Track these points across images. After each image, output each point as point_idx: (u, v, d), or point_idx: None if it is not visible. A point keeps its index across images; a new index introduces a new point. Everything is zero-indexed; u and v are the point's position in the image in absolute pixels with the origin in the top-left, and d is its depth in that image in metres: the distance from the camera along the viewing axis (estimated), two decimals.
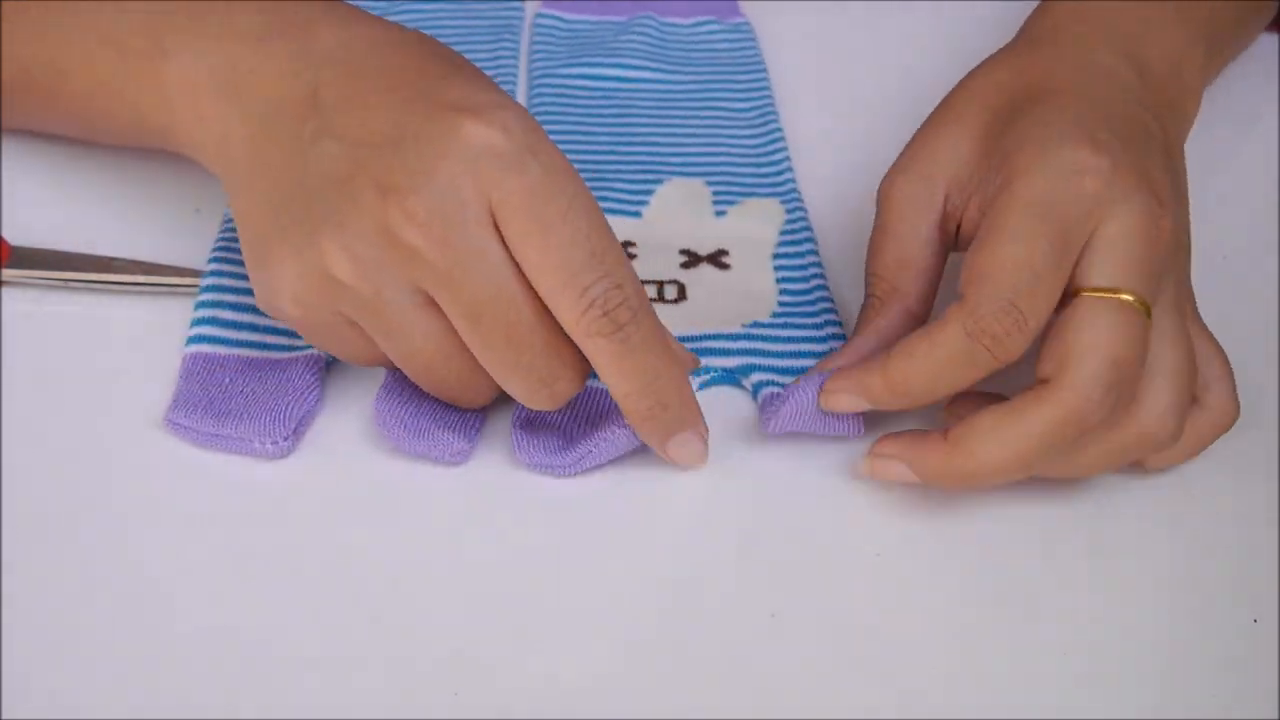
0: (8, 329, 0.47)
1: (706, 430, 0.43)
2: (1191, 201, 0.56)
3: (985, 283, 0.40)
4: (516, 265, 0.39)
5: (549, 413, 0.45)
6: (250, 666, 0.38)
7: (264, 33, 0.43)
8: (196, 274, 0.49)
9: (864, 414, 0.44)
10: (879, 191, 0.47)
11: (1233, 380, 0.44)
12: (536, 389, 0.41)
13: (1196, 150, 0.58)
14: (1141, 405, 0.41)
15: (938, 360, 0.41)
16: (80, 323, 0.48)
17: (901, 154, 0.47)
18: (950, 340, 0.40)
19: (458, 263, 0.39)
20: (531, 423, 0.44)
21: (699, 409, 0.42)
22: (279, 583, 0.40)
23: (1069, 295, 0.41)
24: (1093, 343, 0.40)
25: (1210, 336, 0.45)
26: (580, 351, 0.40)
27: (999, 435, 0.40)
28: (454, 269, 0.39)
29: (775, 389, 0.46)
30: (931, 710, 0.38)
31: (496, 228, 0.39)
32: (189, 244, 0.51)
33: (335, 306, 0.41)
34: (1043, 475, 0.42)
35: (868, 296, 0.46)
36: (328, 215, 0.40)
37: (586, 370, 0.41)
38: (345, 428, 0.45)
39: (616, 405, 0.43)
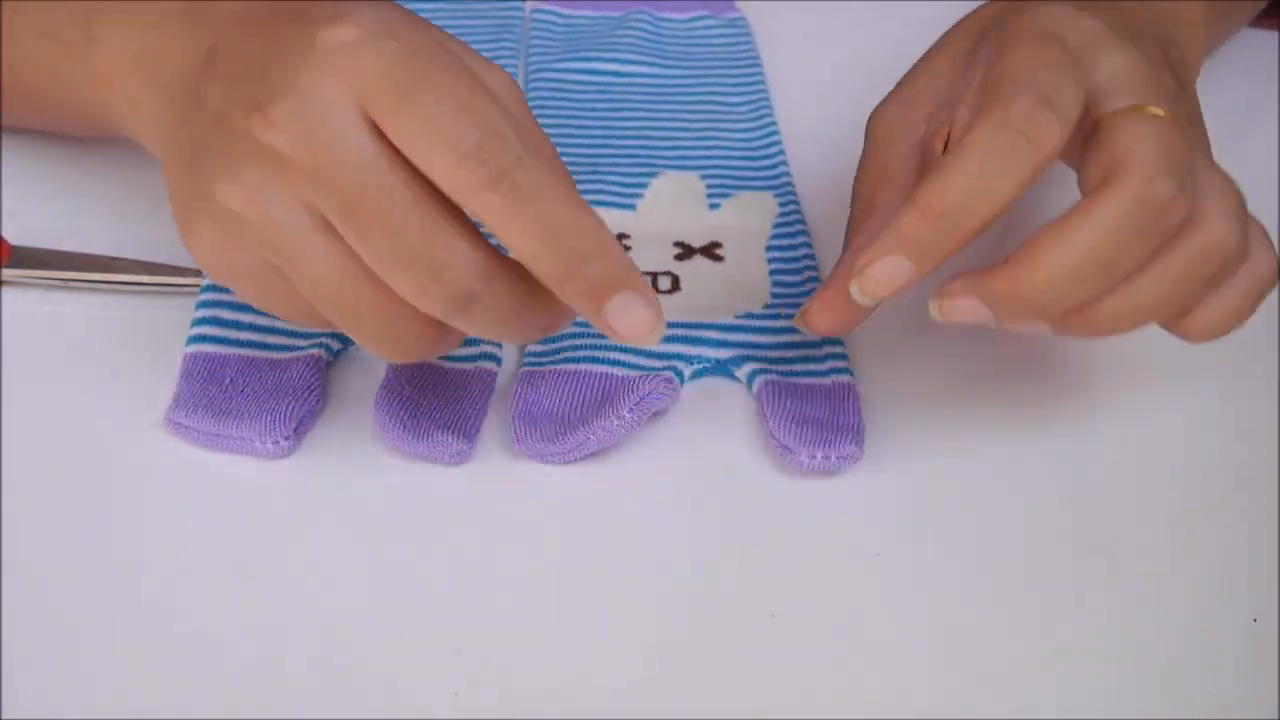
0: (8, 329, 0.47)
1: (651, 292, 0.38)
2: None
3: (1001, 81, 0.39)
4: (394, 154, 0.37)
5: (547, 400, 0.45)
6: (250, 666, 0.38)
7: (176, 14, 0.44)
8: (197, 274, 0.49)
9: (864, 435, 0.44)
10: (865, 128, 0.47)
11: (1265, 233, 0.42)
12: (427, 285, 0.37)
13: None
14: (1201, 216, 0.39)
15: (971, 163, 0.38)
16: (80, 323, 0.48)
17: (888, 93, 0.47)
18: (980, 139, 0.38)
19: (325, 160, 0.37)
20: (530, 414, 0.44)
21: (632, 265, 0.38)
22: (279, 582, 0.40)
23: (1092, 129, 0.40)
24: (1141, 139, 0.38)
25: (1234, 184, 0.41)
26: (471, 230, 0.38)
27: (1065, 238, 0.37)
28: (321, 166, 0.37)
29: (773, 378, 0.46)
30: (931, 710, 0.38)
31: (373, 126, 0.37)
32: None
33: (245, 249, 0.39)
34: (1104, 322, 0.39)
35: (850, 220, 0.46)
36: (217, 152, 0.39)
37: (479, 246, 0.37)
38: (346, 427, 0.45)
39: (616, 394, 0.43)
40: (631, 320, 0.37)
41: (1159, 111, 0.39)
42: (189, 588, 0.40)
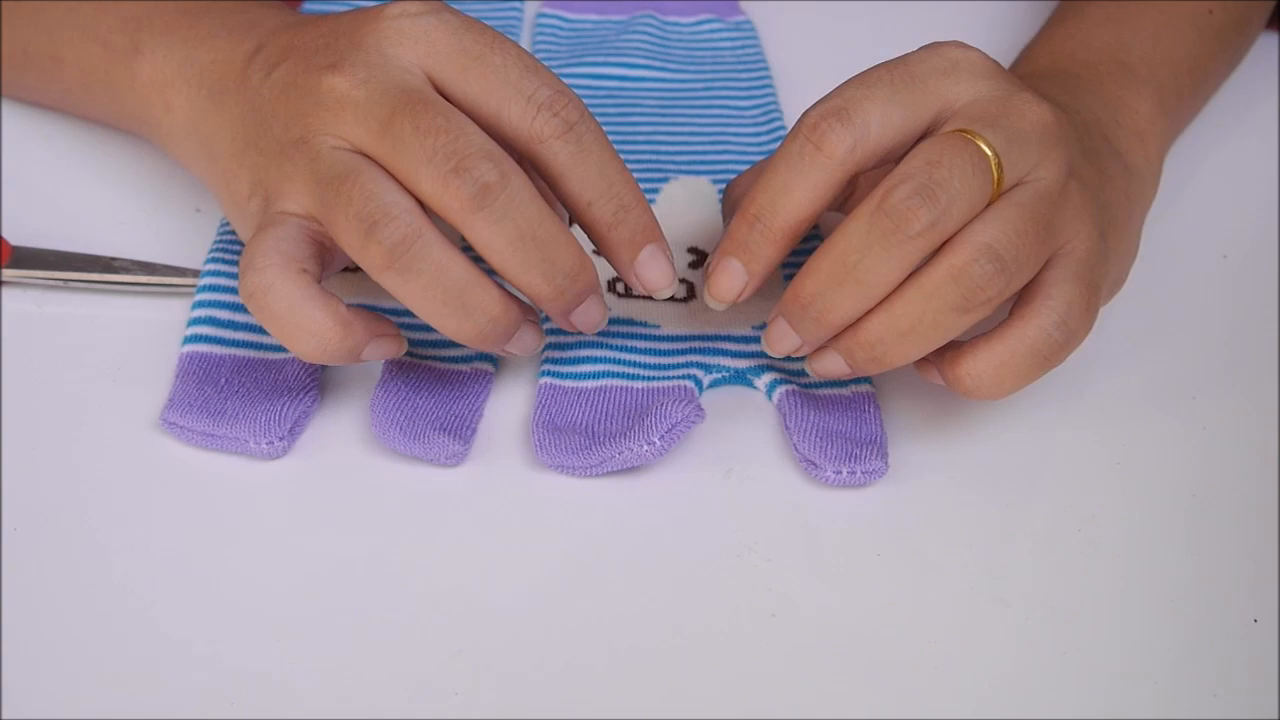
0: (8, 329, 0.47)
1: (668, 246, 0.44)
2: (1192, 201, 0.56)
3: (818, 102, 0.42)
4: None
5: (572, 412, 0.45)
6: (247, 667, 0.38)
7: (221, 33, 0.48)
8: (196, 274, 0.49)
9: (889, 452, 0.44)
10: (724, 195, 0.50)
11: (1063, 313, 0.41)
12: (450, 178, 0.39)
13: (1197, 150, 0.59)
14: (958, 244, 0.40)
15: (773, 170, 0.42)
16: (80, 323, 0.48)
17: None
18: (781, 150, 0.42)
19: (376, 88, 0.41)
20: (554, 424, 0.44)
21: (657, 221, 0.43)
22: (274, 583, 0.40)
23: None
24: (919, 152, 0.40)
25: (1088, 288, 0.42)
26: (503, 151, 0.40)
27: (824, 247, 0.41)
28: (373, 94, 0.41)
29: (793, 389, 0.46)
30: (931, 710, 0.38)
31: (432, 81, 0.42)
32: (189, 244, 0.51)
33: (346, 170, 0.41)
34: (872, 344, 0.41)
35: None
36: (286, 118, 0.42)
37: (497, 149, 0.40)
38: (342, 428, 0.45)
39: (644, 411, 0.43)
40: (655, 272, 0.43)
41: (977, 141, 0.41)
42: (186, 587, 0.40)
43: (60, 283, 0.48)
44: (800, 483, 0.44)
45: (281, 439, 0.43)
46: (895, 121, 0.41)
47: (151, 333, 0.47)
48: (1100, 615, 0.41)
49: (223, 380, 0.45)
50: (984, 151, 0.40)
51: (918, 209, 0.39)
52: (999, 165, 0.41)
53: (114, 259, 0.49)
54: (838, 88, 0.42)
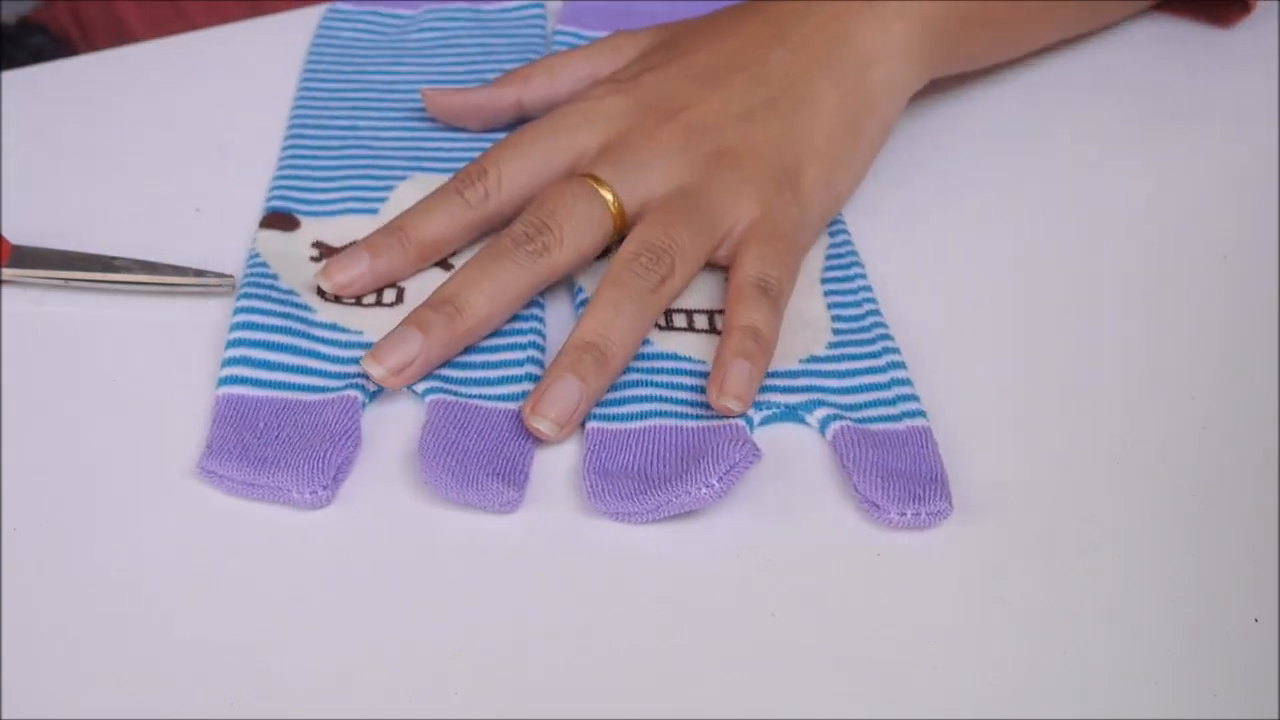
0: (8, 329, 0.47)
1: None
2: (1190, 200, 0.56)
3: None
4: None
5: (623, 456, 0.43)
6: (249, 667, 0.38)
7: None
8: (197, 273, 0.49)
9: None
10: None
11: (758, 267, 0.48)
12: None
13: (1197, 150, 0.59)
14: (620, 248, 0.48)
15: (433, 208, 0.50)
16: (80, 323, 0.48)
17: None
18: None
19: None
20: (605, 469, 0.43)
21: None
22: (275, 581, 0.40)
23: None
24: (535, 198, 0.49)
25: (770, 240, 0.49)
26: None
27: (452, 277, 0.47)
28: None
29: (847, 424, 0.44)
30: (931, 710, 0.38)
31: None
32: (189, 244, 0.51)
33: None
34: (607, 339, 0.45)
35: None
36: None
37: None
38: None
39: (699, 452, 0.42)
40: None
41: (589, 179, 0.49)
42: (185, 587, 0.40)
43: (60, 282, 0.48)
44: (799, 483, 0.44)
45: (325, 487, 0.41)
46: (525, 179, 0.50)
47: (151, 332, 0.47)
48: (1100, 615, 0.41)
49: (261, 424, 0.43)
50: (590, 184, 0.48)
51: (527, 229, 0.47)
52: (612, 192, 0.48)
53: (114, 258, 0.49)
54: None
